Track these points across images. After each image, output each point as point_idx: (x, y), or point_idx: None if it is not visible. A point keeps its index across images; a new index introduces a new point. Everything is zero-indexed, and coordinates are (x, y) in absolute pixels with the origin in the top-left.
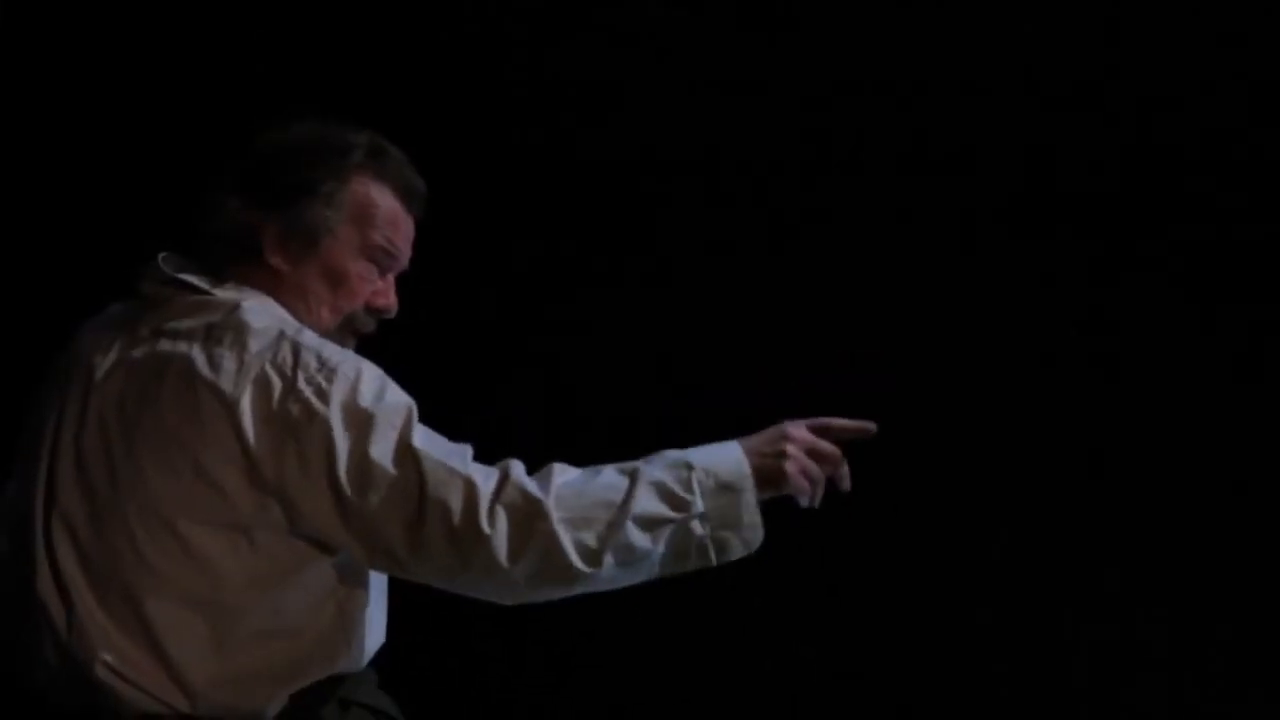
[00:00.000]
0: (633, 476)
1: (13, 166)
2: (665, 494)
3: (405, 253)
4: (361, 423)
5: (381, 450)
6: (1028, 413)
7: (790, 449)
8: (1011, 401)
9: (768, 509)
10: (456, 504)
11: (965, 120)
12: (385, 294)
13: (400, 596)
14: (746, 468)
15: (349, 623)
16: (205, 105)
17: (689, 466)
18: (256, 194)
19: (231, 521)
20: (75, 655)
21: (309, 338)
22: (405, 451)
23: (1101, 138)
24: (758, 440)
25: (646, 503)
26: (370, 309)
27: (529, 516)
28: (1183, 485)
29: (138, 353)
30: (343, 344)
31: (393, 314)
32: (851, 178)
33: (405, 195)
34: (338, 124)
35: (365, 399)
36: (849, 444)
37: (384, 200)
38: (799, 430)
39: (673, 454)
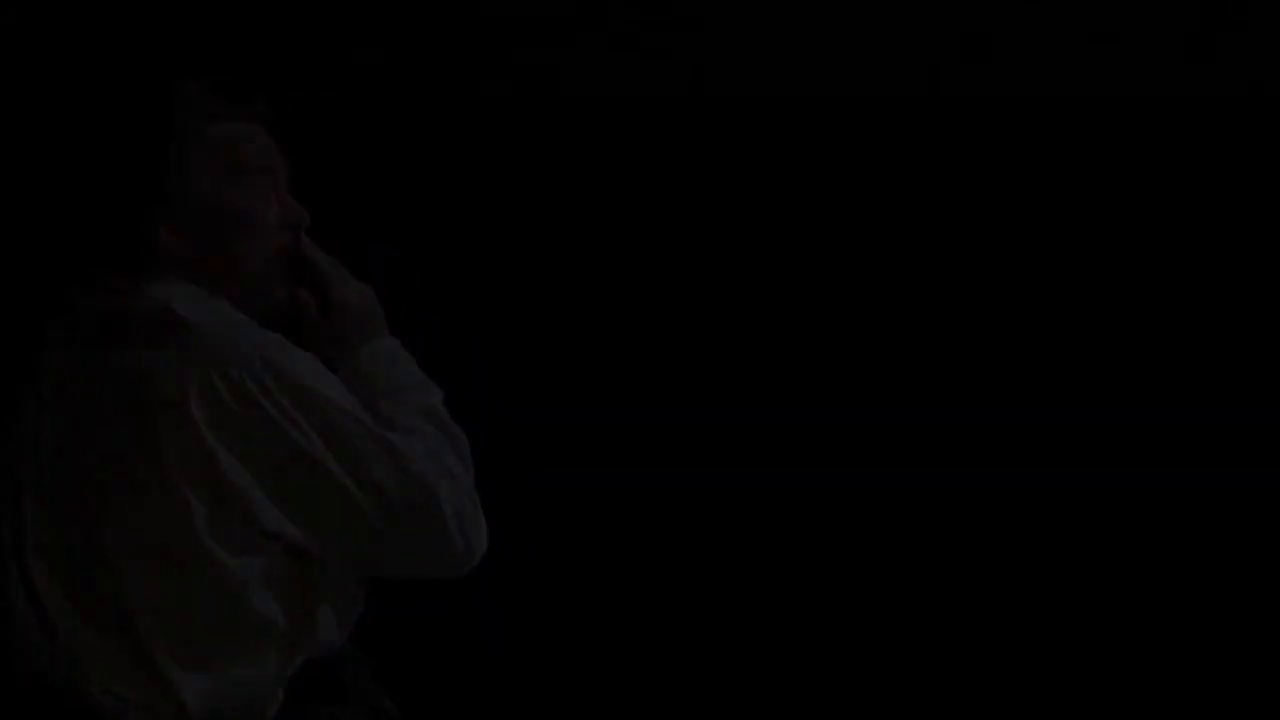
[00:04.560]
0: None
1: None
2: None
3: (273, 161)
4: (325, 421)
5: (352, 441)
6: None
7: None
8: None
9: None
10: (440, 495)
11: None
12: (288, 206)
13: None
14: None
15: (322, 601)
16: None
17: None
18: (118, 188)
19: (200, 525)
20: (62, 684)
21: (247, 331)
22: (378, 441)
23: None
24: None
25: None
26: (284, 227)
27: (475, 504)
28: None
29: (81, 368)
30: (289, 282)
31: (306, 223)
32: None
33: (237, 111)
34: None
35: (318, 393)
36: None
37: (223, 130)
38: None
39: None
